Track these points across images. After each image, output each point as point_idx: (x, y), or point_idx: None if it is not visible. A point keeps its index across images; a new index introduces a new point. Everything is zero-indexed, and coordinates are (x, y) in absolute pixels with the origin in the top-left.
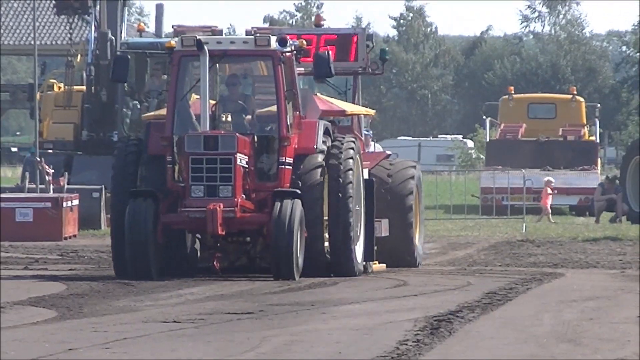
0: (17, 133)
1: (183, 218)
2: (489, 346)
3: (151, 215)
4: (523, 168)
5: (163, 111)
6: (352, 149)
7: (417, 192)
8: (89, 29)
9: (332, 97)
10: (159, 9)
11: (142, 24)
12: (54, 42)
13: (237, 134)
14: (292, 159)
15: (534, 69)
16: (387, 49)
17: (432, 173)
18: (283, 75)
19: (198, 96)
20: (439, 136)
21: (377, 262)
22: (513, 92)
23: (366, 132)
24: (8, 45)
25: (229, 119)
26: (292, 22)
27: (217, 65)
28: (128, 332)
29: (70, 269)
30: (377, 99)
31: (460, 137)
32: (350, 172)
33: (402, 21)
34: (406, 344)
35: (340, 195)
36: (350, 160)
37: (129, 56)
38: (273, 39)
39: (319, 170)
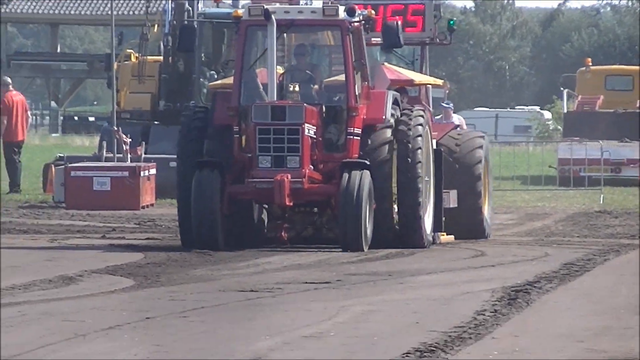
0: (94, 103)
1: (250, 189)
2: (566, 317)
3: (218, 186)
4: (600, 140)
5: (229, 80)
6: (422, 117)
7: (486, 162)
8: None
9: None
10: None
11: None
12: (131, 12)
13: (304, 104)
14: (360, 130)
15: (611, 41)
16: (454, 19)
17: (510, 144)
18: (351, 46)
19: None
20: (516, 107)
21: (445, 233)
22: (590, 64)
23: (447, 105)
24: (85, 15)
25: (297, 89)
26: None
27: (285, 35)
28: (205, 301)
29: (147, 238)
30: (454, 71)
31: (537, 108)
32: (419, 138)
33: None
34: (483, 314)
35: (409, 160)
36: (420, 127)
37: (195, 25)
38: (341, 8)
39: (388, 140)
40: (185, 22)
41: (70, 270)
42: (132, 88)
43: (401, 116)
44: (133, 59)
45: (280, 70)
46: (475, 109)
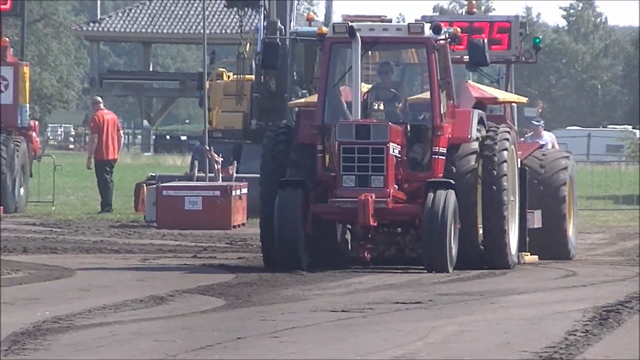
0: (187, 121)
1: (333, 208)
2: None
3: (301, 206)
4: None
5: (311, 98)
6: (507, 139)
7: (571, 183)
8: (259, 17)
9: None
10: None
11: (311, 13)
12: (223, 31)
13: (389, 123)
14: (445, 149)
15: None
16: (540, 37)
17: (602, 163)
18: (437, 64)
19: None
20: (609, 126)
21: (529, 253)
22: None
23: (537, 122)
24: (177, 34)
25: (381, 107)
26: (462, 12)
27: (370, 52)
28: (296, 321)
29: (239, 258)
30: (546, 89)
31: (630, 127)
32: (505, 164)
33: (572, 11)
34: (575, 335)
35: (494, 188)
36: (505, 152)
37: (279, 42)
38: (427, 26)
39: (474, 158)
40: (269, 39)
41: (162, 290)
42: (224, 107)
43: (487, 136)
44: (225, 78)
45: (364, 88)
46: (568, 127)
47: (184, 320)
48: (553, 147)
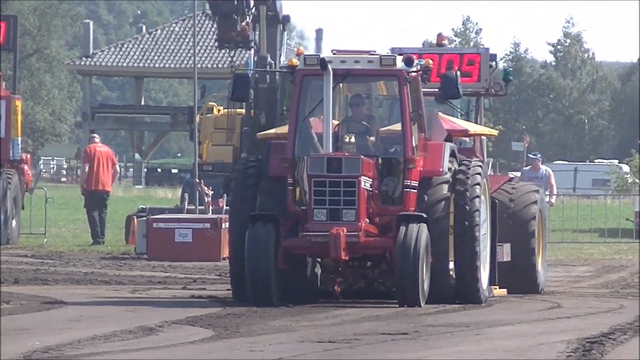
0: (178, 155)
1: (305, 242)
2: None
3: (272, 240)
4: None
5: (281, 130)
6: (479, 174)
7: (540, 217)
8: (249, 52)
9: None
10: (319, 33)
11: (301, 48)
12: (214, 66)
13: (361, 156)
14: (417, 182)
15: None
16: (510, 69)
17: (588, 197)
18: (409, 96)
19: (320, 116)
20: (595, 161)
21: (497, 286)
22: None
23: (534, 156)
24: (169, 68)
25: (352, 140)
26: (452, 46)
27: (341, 85)
28: (284, 352)
29: (227, 289)
30: (534, 124)
31: (616, 161)
32: (477, 199)
33: (559, 47)
34: None
35: (467, 223)
36: (477, 187)
37: (249, 74)
38: (399, 58)
39: (445, 193)
40: (239, 72)
41: (151, 320)
42: (214, 140)
43: (458, 170)
44: (215, 112)
45: (335, 121)
46: (555, 162)
47: (172, 351)
48: (549, 180)
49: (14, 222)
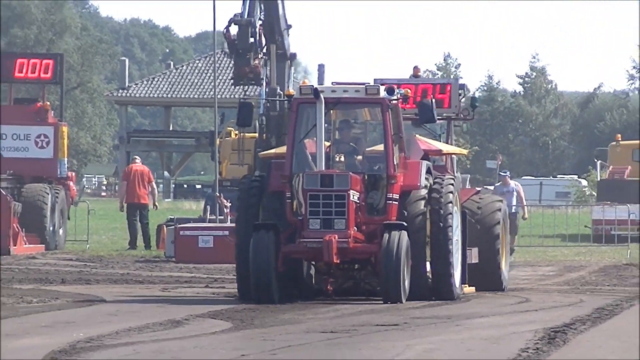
0: (201, 173)
1: (302, 248)
2: (598, 354)
3: (273, 246)
4: (629, 203)
5: (280, 150)
6: (452, 184)
7: (503, 223)
8: (261, 84)
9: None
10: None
11: (305, 81)
12: (232, 96)
13: (350, 173)
14: (398, 195)
15: (638, 119)
16: (478, 96)
17: (552, 207)
18: (390, 121)
19: (314, 138)
20: (558, 176)
21: (467, 285)
22: (620, 139)
23: (504, 173)
24: (193, 99)
25: (342, 159)
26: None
27: (332, 111)
28: (292, 341)
29: None
30: (505, 145)
31: (575, 177)
32: (450, 204)
33: (527, 79)
34: (527, 352)
35: (441, 225)
36: (450, 195)
37: (252, 103)
38: (382, 88)
39: (423, 203)
40: (243, 100)
41: (178, 314)
42: (232, 160)
43: (434, 184)
44: (233, 136)
45: (327, 142)
46: (523, 177)
47: (197, 340)
48: (519, 193)
49: (61, 231)
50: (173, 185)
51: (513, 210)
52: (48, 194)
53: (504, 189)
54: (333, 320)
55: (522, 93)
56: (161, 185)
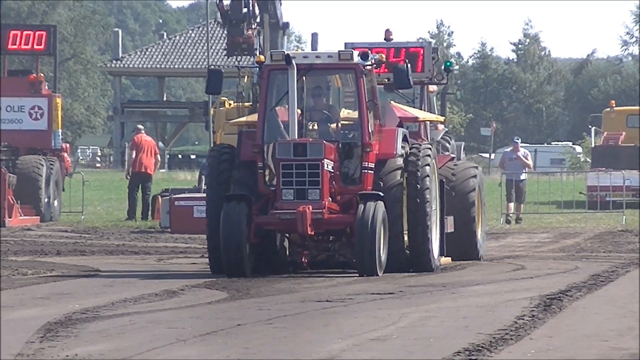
0: (196, 143)
1: (274, 219)
2: (593, 320)
3: (244, 217)
4: (623, 169)
5: (251, 118)
6: (429, 155)
7: (479, 191)
8: (255, 54)
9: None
10: (314, 37)
11: (299, 50)
12: (224, 66)
13: (323, 141)
14: (373, 164)
15: (632, 85)
16: (451, 61)
17: (547, 174)
18: (365, 87)
19: (286, 106)
20: (552, 143)
21: (443, 255)
22: (614, 105)
23: (516, 140)
24: (187, 69)
25: (316, 127)
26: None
27: (304, 77)
28: (288, 310)
29: None
30: (499, 112)
31: (570, 143)
32: (427, 178)
33: (520, 46)
34: (523, 319)
35: (418, 200)
36: (427, 167)
37: (222, 69)
38: (355, 53)
39: (399, 173)
40: (213, 68)
41: (174, 285)
42: (226, 130)
43: (410, 152)
44: (227, 106)
45: (299, 110)
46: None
47: (192, 310)
48: (527, 158)
49: (55, 202)
50: (168, 156)
51: (522, 178)
52: (43, 165)
53: (513, 155)
54: (328, 289)
55: (515, 60)
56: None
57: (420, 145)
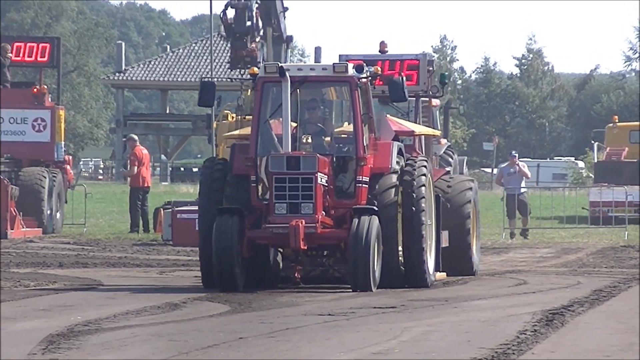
0: (198, 155)
1: (267, 233)
2: (595, 335)
3: (237, 231)
4: (625, 185)
5: (244, 131)
6: (425, 167)
7: (474, 204)
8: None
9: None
10: (318, 50)
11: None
12: (227, 79)
13: (317, 155)
14: (368, 178)
15: (635, 101)
16: (447, 73)
17: (549, 189)
18: (359, 100)
19: (280, 119)
20: (555, 158)
21: (438, 270)
22: (617, 121)
23: (514, 154)
24: (190, 82)
25: (309, 140)
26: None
27: (298, 90)
28: (290, 323)
29: None
30: (502, 127)
31: (572, 159)
32: (423, 188)
33: (523, 61)
34: (525, 334)
35: (413, 209)
36: (423, 178)
37: (215, 82)
38: (350, 65)
39: (394, 189)
40: (205, 80)
41: (176, 297)
42: (228, 143)
43: (405, 166)
44: (229, 119)
45: (293, 123)
46: (520, 159)
47: (194, 323)
48: (521, 170)
49: (58, 214)
50: (170, 169)
51: (522, 191)
52: (45, 177)
53: (511, 169)
54: (330, 303)
55: (518, 75)
56: (158, 169)
57: (416, 160)
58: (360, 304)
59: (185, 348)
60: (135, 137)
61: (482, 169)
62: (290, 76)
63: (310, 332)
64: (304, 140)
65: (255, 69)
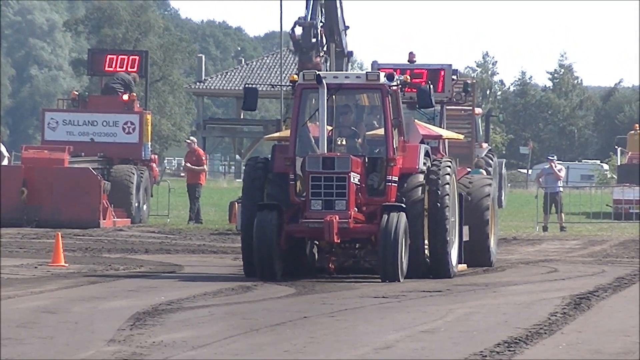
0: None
1: (304, 228)
2: (618, 317)
3: (276, 226)
4: None
5: (284, 133)
6: (449, 167)
7: (492, 201)
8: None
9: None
10: (374, 64)
11: None
12: (270, 87)
13: (350, 156)
14: (397, 177)
15: None
16: (469, 82)
17: (577, 189)
18: (390, 105)
19: (316, 122)
20: (583, 161)
21: (460, 263)
22: (638, 128)
23: (551, 157)
24: (262, 91)
25: (344, 142)
26: (474, 75)
27: (334, 96)
28: (348, 305)
29: None
30: (536, 133)
31: (598, 161)
32: (447, 186)
33: (555, 75)
34: (555, 315)
35: (438, 205)
36: (447, 177)
37: (257, 88)
38: (382, 74)
39: (421, 187)
40: (248, 86)
41: (249, 281)
42: None
43: (431, 166)
44: None
45: (329, 126)
46: None
47: (264, 304)
48: (560, 171)
49: (145, 207)
50: (243, 167)
51: (557, 190)
52: (134, 174)
53: (550, 170)
54: (384, 287)
55: (551, 87)
56: (233, 167)
57: (441, 161)
58: (410, 288)
59: (256, 325)
60: (194, 139)
61: (519, 170)
62: (326, 83)
63: (367, 312)
64: (339, 142)
65: (295, 76)
